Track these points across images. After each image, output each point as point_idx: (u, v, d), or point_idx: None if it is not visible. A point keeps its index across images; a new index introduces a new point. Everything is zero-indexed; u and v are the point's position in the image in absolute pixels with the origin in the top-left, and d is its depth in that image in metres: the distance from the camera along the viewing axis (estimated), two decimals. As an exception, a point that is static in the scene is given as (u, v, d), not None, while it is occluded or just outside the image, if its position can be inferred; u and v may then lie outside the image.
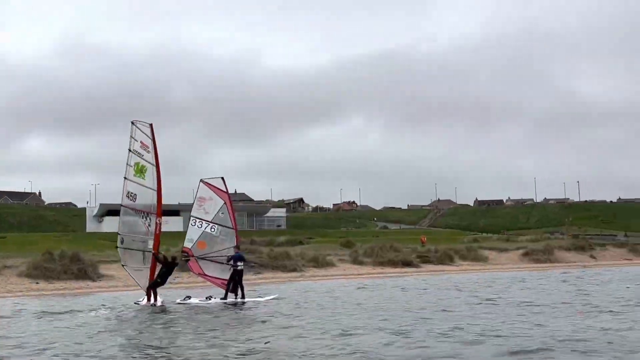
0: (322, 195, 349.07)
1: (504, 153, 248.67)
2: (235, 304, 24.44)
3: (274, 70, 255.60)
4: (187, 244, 26.38)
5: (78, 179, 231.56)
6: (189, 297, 25.42)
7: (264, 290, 30.53)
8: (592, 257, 62.63)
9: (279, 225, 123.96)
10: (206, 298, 25.41)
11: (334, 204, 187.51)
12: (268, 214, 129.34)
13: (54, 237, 73.28)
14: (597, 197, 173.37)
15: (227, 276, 25.71)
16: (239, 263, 25.58)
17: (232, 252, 25.94)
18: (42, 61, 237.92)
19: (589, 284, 32.96)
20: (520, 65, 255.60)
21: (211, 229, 26.32)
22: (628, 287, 29.65)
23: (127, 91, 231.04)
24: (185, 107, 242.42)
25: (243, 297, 25.45)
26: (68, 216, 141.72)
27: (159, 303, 24.18)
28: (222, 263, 26.07)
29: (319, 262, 48.15)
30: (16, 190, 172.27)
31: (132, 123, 25.14)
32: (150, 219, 24.74)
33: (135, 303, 24.43)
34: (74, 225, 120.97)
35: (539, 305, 21.47)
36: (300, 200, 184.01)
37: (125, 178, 25.06)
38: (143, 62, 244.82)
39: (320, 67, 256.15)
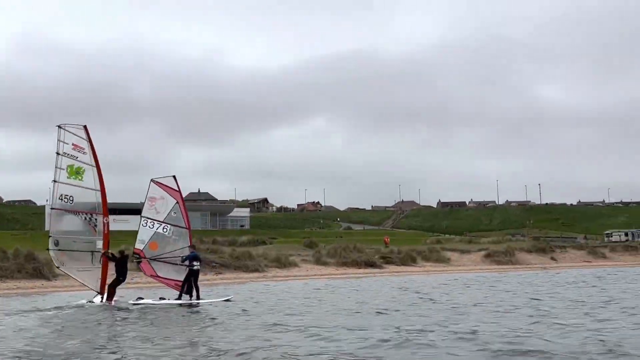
0: (287, 196, 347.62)
1: (467, 156, 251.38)
2: (190, 305, 23.73)
3: (238, 70, 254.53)
4: (139, 245, 25.21)
5: (38, 176, 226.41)
6: (142, 298, 24.74)
7: (222, 291, 29.96)
8: (553, 259, 63.52)
9: (242, 225, 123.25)
10: (159, 299, 24.61)
11: (298, 205, 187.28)
12: (232, 214, 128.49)
13: (12, 235, 71.55)
14: (558, 200, 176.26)
15: (181, 277, 24.83)
16: (194, 263, 24.71)
17: (186, 252, 25.01)
18: (0, 56, 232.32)
19: (543, 285, 32.98)
20: (483, 69, 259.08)
21: (163, 229, 25.29)
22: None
23: (89, 89, 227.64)
24: (149, 106, 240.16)
25: (198, 297, 24.65)
26: (27, 214, 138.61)
27: (103, 301, 23.83)
28: (176, 264, 25.08)
29: (281, 263, 47.82)
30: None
31: (59, 127, 24.76)
32: (96, 219, 24.45)
33: (89, 302, 23.89)
34: (33, 224, 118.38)
35: (477, 307, 21.19)
36: (265, 201, 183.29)
37: (55, 181, 24.51)
38: (105, 60, 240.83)
39: (284, 68, 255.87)
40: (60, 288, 32.04)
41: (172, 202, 25.59)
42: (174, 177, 26.14)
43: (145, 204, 25.84)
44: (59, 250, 24.56)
